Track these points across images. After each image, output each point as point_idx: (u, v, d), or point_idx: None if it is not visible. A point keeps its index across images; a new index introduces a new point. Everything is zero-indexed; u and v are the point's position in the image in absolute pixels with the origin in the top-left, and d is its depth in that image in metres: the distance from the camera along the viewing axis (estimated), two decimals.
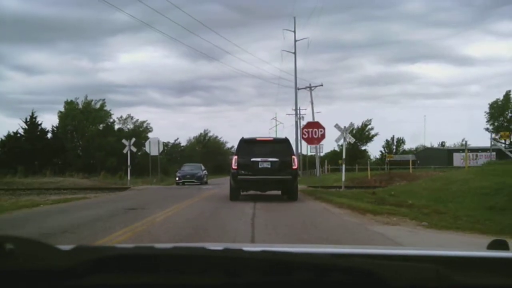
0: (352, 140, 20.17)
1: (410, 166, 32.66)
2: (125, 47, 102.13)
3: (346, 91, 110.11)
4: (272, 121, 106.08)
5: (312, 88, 49.31)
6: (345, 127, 20.01)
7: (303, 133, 20.85)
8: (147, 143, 30.02)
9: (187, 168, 30.89)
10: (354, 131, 74.98)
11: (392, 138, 77.77)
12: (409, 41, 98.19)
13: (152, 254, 0.97)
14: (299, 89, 47.62)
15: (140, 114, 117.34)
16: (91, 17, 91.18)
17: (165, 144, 74.25)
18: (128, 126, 55.14)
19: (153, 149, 28.84)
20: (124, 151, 28.61)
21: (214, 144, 78.91)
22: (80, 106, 46.40)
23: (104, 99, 51.75)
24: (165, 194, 18.63)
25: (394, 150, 74.94)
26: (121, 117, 57.50)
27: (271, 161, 13.77)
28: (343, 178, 20.67)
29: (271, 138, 16.14)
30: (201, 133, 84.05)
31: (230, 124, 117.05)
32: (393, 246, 5.36)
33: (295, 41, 40.89)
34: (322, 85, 48.82)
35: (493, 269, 1.09)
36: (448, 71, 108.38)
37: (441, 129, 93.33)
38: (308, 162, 55.47)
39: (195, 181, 28.68)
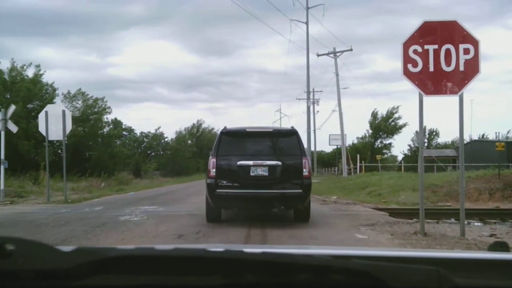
0: None
1: None
2: (135, 41, 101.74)
3: (356, 87, 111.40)
4: (276, 114, 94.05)
5: (338, 54, 36.02)
6: None
7: (406, 60, 7.59)
8: (40, 116, 15.10)
9: None
10: (377, 121, 61.83)
11: (424, 129, 64.63)
12: None
13: (153, 255, 0.96)
14: (320, 55, 34.72)
15: (146, 110, 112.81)
16: (102, 11, 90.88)
17: (144, 135, 60.34)
18: (77, 106, 36.84)
19: (53, 129, 14.58)
20: None
21: (210, 137, 65.08)
22: (7, 77, 31.67)
23: (39, 65, 33.41)
24: None
25: (426, 144, 61.80)
26: (68, 92, 37.96)
27: (269, 166, 8.98)
28: None
29: (270, 129, 10.30)
30: (193, 124, 71.00)
31: (235, 120, 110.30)
32: (394, 248, 5.02)
33: (307, 8, 35.29)
34: (351, 50, 35.62)
35: (494, 271, 1.06)
36: None
37: (452, 126, 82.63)
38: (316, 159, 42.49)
39: None
